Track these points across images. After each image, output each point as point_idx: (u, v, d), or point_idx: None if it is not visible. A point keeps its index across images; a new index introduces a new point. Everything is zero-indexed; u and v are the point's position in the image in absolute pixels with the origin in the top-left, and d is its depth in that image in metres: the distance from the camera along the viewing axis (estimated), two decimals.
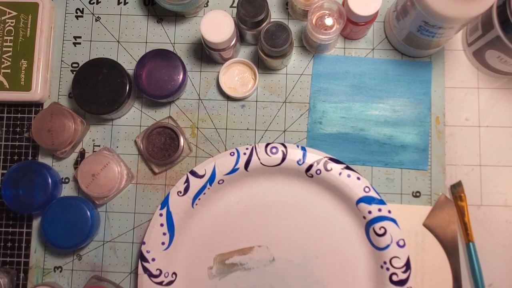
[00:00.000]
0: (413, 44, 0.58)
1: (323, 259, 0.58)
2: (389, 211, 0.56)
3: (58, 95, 0.63)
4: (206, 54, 0.62)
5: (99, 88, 0.58)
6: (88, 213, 0.57)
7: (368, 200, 0.56)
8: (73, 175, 0.61)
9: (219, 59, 0.61)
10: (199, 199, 0.58)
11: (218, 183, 0.58)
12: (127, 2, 0.65)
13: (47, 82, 0.63)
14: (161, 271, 0.57)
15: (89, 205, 0.58)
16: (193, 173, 0.58)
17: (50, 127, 0.58)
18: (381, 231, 0.56)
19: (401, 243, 0.55)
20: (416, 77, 0.61)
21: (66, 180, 0.62)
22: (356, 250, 0.58)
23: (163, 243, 0.57)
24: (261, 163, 0.58)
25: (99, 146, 0.62)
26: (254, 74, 0.61)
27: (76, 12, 0.65)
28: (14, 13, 0.62)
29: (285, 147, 0.58)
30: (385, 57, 0.62)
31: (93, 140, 0.62)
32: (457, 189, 0.58)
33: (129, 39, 0.64)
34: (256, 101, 0.62)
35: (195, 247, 0.59)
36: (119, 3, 0.65)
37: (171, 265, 0.58)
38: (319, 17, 0.57)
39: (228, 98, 0.62)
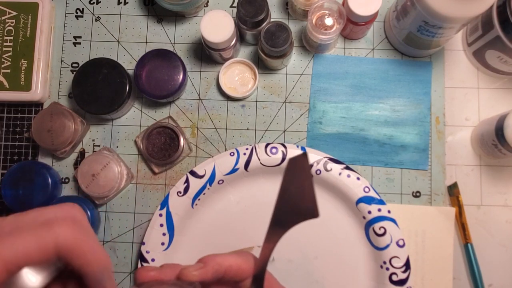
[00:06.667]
0: (413, 44, 0.58)
1: (323, 259, 0.58)
2: (389, 211, 0.56)
3: (58, 95, 0.63)
4: (206, 54, 0.62)
5: (99, 88, 0.58)
6: (88, 213, 0.57)
7: (368, 200, 0.56)
8: (73, 175, 0.61)
9: (219, 59, 0.61)
10: (199, 199, 0.58)
11: (218, 183, 0.58)
12: (127, 2, 0.65)
13: (47, 82, 0.63)
14: None
15: (89, 205, 0.58)
16: (193, 173, 0.58)
17: (50, 127, 0.58)
18: (381, 231, 0.56)
19: (400, 243, 0.55)
20: (416, 77, 0.61)
21: (66, 180, 0.62)
22: (356, 250, 0.58)
23: (162, 244, 0.57)
24: (261, 163, 0.58)
25: (99, 146, 0.62)
26: (254, 74, 0.61)
27: (76, 12, 0.65)
28: (14, 13, 0.62)
29: (285, 147, 0.58)
30: (385, 57, 0.62)
31: (93, 140, 0.62)
32: (453, 190, 0.58)
33: (129, 39, 0.64)
34: (256, 101, 0.62)
35: (194, 248, 0.59)
36: (119, 3, 0.65)
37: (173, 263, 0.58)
38: (319, 17, 0.57)
39: (228, 98, 0.62)
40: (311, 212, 0.33)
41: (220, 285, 0.39)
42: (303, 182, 0.34)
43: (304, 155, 0.35)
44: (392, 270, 0.55)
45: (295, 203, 0.35)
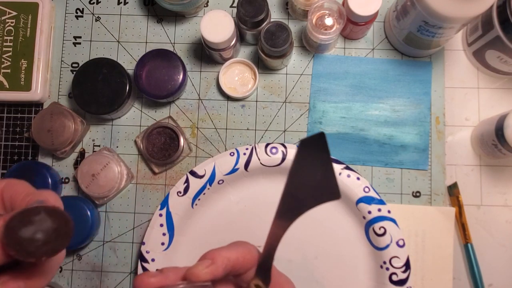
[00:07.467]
0: (413, 44, 0.58)
1: (323, 259, 0.58)
2: (389, 211, 0.56)
3: (58, 95, 0.63)
4: (206, 54, 0.62)
5: (99, 88, 0.58)
6: (88, 213, 0.57)
7: (368, 200, 0.56)
8: (73, 175, 0.61)
9: (219, 59, 0.61)
10: (199, 199, 0.58)
11: (218, 183, 0.58)
12: (127, 2, 0.65)
13: (47, 82, 0.63)
14: None
15: (89, 205, 0.58)
16: (193, 173, 0.58)
17: (50, 127, 0.58)
18: (381, 231, 0.56)
19: (400, 243, 0.55)
20: (416, 77, 0.61)
21: (66, 180, 0.62)
22: (356, 250, 0.58)
23: (162, 244, 0.57)
24: (261, 163, 0.58)
25: (99, 146, 0.62)
26: (254, 74, 0.61)
27: (76, 12, 0.65)
28: (14, 13, 0.62)
29: (285, 147, 0.58)
30: (385, 57, 0.62)
31: (93, 140, 0.62)
32: (453, 190, 0.58)
33: (129, 39, 0.64)
34: (256, 101, 0.62)
35: (194, 248, 0.59)
36: (119, 3, 0.65)
37: (171, 266, 0.58)
38: (319, 17, 0.57)
39: (228, 98, 0.62)
40: (332, 193, 0.30)
41: (224, 281, 0.36)
42: (320, 163, 0.30)
43: (321, 134, 0.31)
44: (392, 270, 0.55)
45: (312, 184, 0.31)
